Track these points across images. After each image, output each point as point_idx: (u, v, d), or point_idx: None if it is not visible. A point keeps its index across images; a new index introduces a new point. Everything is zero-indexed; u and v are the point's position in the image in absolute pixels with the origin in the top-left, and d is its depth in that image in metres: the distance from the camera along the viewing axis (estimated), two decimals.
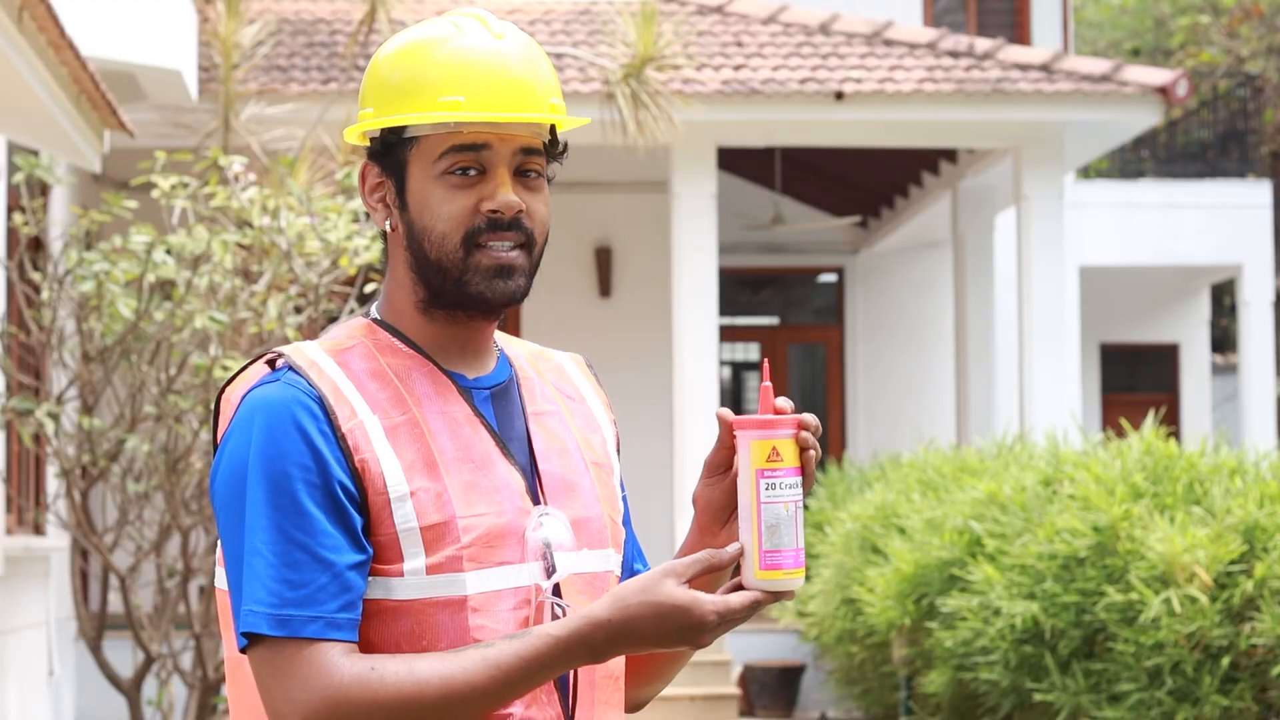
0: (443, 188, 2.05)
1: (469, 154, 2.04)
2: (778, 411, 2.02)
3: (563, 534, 2.05)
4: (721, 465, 2.06)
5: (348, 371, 2.04)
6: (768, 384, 2.03)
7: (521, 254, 2.07)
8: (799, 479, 2.01)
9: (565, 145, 2.14)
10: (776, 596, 1.99)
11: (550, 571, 2.04)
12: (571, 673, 2.05)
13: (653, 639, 1.94)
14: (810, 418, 2.02)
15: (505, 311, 2.11)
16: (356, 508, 1.98)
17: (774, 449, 2.00)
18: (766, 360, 2.11)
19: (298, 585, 1.94)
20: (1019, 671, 7.04)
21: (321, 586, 1.94)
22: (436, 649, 1.97)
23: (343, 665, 1.93)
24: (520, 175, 2.07)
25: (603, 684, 2.09)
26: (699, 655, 10.29)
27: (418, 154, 2.06)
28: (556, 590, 2.04)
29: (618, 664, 2.12)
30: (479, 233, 2.04)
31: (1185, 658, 6.41)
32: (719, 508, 2.07)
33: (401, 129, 2.06)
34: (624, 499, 2.24)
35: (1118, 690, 6.61)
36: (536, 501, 2.07)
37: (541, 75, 2.08)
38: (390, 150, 2.08)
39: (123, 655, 9.44)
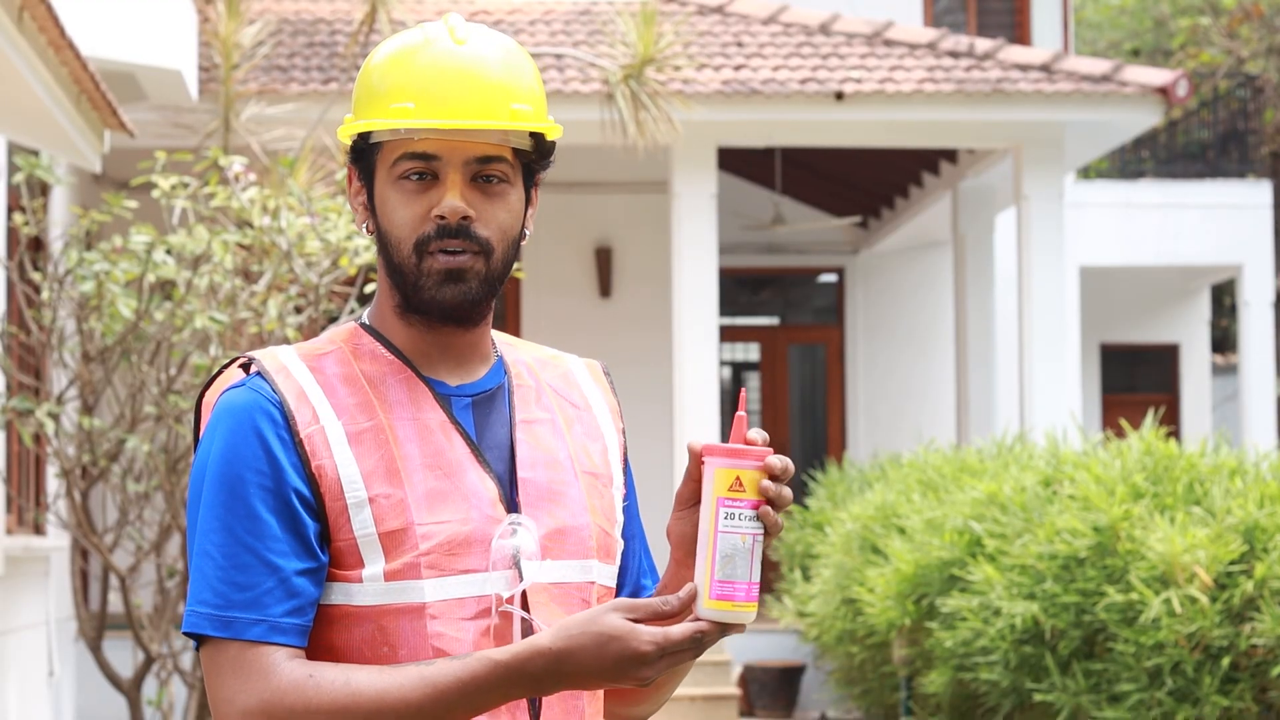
0: (398, 193, 2.06)
1: (419, 160, 2.05)
2: (748, 443, 2.00)
3: (530, 543, 2.04)
4: (691, 498, 2.03)
5: (319, 376, 2.05)
6: (743, 414, 2.01)
7: (475, 260, 2.05)
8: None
9: (550, 147, 2.12)
10: (724, 629, 1.95)
11: (520, 581, 2.03)
12: None
13: (593, 670, 1.91)
14: (778, 461, 1.98)
15: (482, 318, 2.10)
16: (313, 514, 1.99)
17: (738, 478, 1.97)
18: (744, 390, 2.09)
19: (244, 587, 1.96)
20: (1019, 672, 7.04)
21: (268, 590, 1.96)
22: (398, 655, 1.98)
23: (282, 670, 1.94)
24: (482, 181, 2.06)
25: (576, 694, 2.06)
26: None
27: (381, 160, 2.08)
28: (524, 601, 2.03)
29: None
30: (428, 239, 2.05)
31: (1185, 658, 6.41)
32: (691, 541, 2.04)
33: (370, 135, 2.08)
34: (633, 511, 2.22)
35: (1118, 690, 6.61)
36: (512, 510, 2.05)
37: (503, 81, 2.06)
38: (362, 155, 2.10)
39: (123, 655, 9.44)
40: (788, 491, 1.99)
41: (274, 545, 1.97)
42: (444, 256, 2.04)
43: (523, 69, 2.09)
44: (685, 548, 2.04)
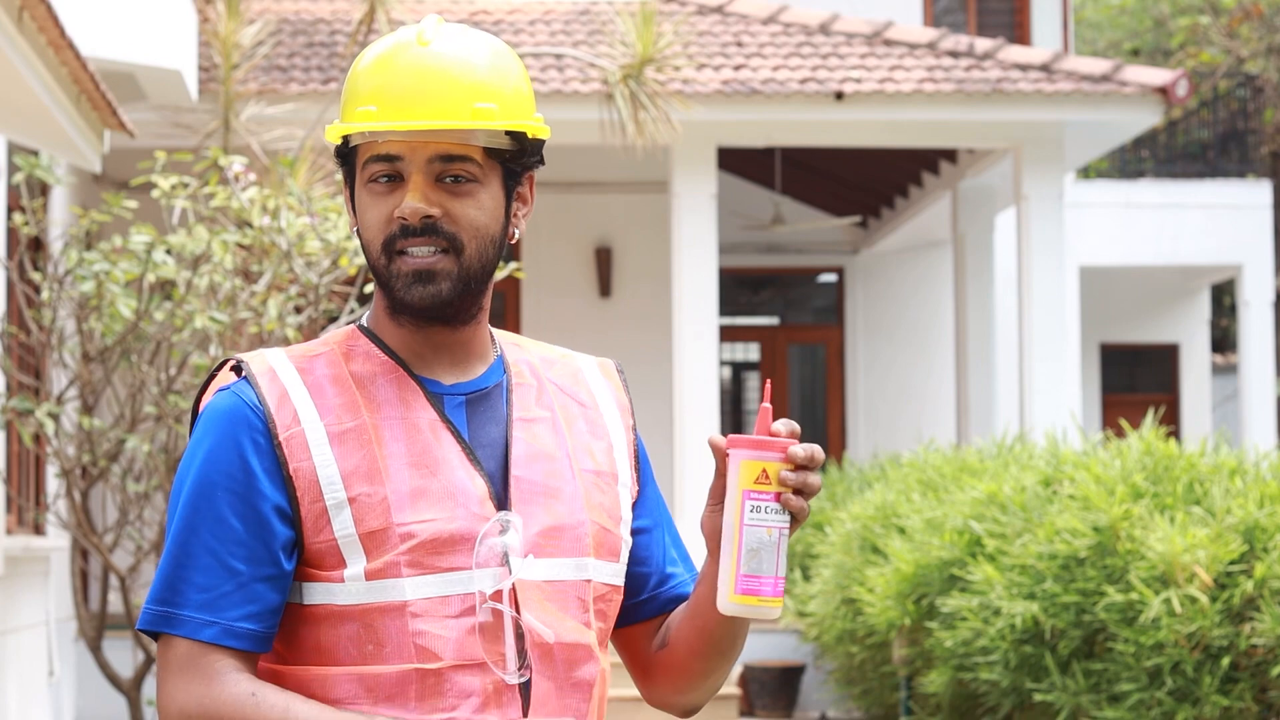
0: (367, 196, 2.08)
1: (384, 163, 2.06)
2: (773, 435, 2.00)
3: (517, 541, 2.04)
4: (722, 493, 2.05)
5: (307, 378, 2.07)
6: (767, 405, 2.02)
7: (444, 258, 2.06)
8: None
9: (535, 146, 2.11)
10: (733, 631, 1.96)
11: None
12: (531, 677, 2.04)
13: None
14: (801, 450, 2.00)
15: (473, 317, 2.11)
16: (286, 521, 2.01)
17: (764, 471, 1.98)
18: (769, 381, 2.09)
19: (203, 589, 1.99)
20: (1019, 671, 7.04)
21: (225, 594, 1.98)
22: (382, 653, 2.00)
23: (228, 679, 1.97)
24: (449, 181, 2.06)
25: (570, 692, 2.07)
26: None
27: (358, 163, 2.10)
28: (515, 598, 2.03)
29: (596, 678, 2.11)
30: (394, 239, 2.06)
31: (1185, 658, 6.41)
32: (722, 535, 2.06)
33: (349, 138, 2.10)
34: (653, 502, 2.23)
35: (1118, 690, 6.61)
36: (502, 508, 2.06)
37: (464, 79, 2.06)
38: (344, 160, 2.12)
39: (123, 655, 9.44)
40: (815, 479, 2.00)
41: (237, 550, 1.99)
42: (410, 258, 2.05)
43: (495, 68, 2.08)
44: (718, 541, 2.06)
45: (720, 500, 2.04)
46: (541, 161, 2.14)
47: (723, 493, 2.04)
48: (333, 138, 2.12)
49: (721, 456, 2.02)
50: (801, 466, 2.00)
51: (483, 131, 2.06)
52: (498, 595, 2.02)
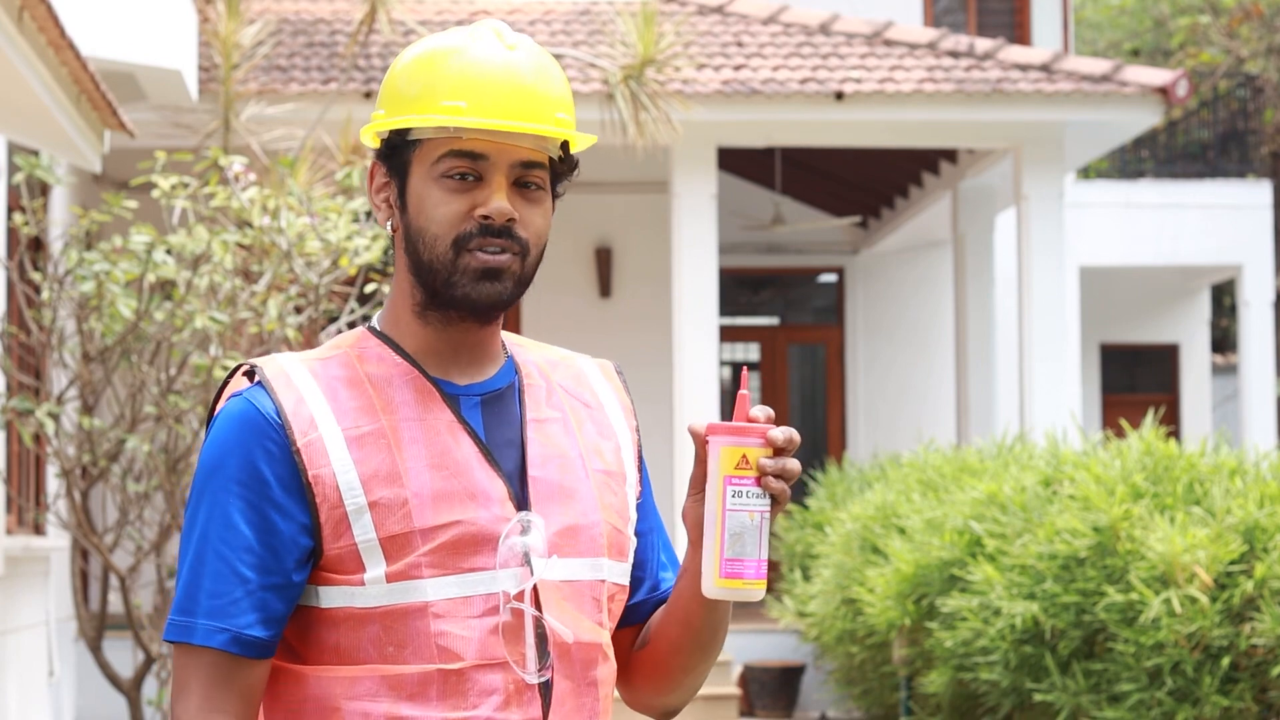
0: (439, 190, 2.07)
1: (466, 160, 2.06)
2: (751, 420, 2.02)
3: (539, 541, 2.05)
4: (704, 480, 2.06)
5: (321, 381, 2.07)
6: (745, 392, 2.03)
7: (513, 260, 2.07)
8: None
9: (576, 162, 2.14)
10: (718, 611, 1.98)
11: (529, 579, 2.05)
12: (551, 676, 2.05)
13: None
14: (780, 433, 2.01)
15: (499, 317, 2.12)
16: (303, 531, 2.02)
17: (744, 456, 2.00)
18: (745, 369, 2.10)
19: (214, 595, 2.00)
20: (1019, 672, 7.04)
21: (235, 600, 2.00)
22: (403, 654, 2.01)
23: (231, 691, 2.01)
24: (520, 187, 2.08)
25: (586, 691, 2.09)
26: None
27: (419, 156, 2.08)
28: (536, 599, 2.04)
29: (607, 677, 2.12)
30: (469, 238, 2.06)
31: (1185, 658, 6.41)
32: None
33: (407, 131, 2.08)
34: (649, 506, 2.24)
35: (1118, 690, 6.62)
36: (522, 508, 2.07)
37: (550, 89, 2.08)
38: (395, 151, 2.10)
39: (123, 655, 9.44)
40: (794, 464, 2.01)
41: (246, 557, 2.00)
42: (483, 254, 2.06)
43: (562, 80, 2.12)
44: (701, 530, 2.06)
45: (701, 489, 2.05)
46: (575, 178, 2.17)
47: (703, 481, 2.05)
48: (370, 131, 2.11)
49: (701, 444, 2.04)
50: (780, 450, 2.01)
51: (553, 142, 2.09)
52: (519, 595, 2.03)
